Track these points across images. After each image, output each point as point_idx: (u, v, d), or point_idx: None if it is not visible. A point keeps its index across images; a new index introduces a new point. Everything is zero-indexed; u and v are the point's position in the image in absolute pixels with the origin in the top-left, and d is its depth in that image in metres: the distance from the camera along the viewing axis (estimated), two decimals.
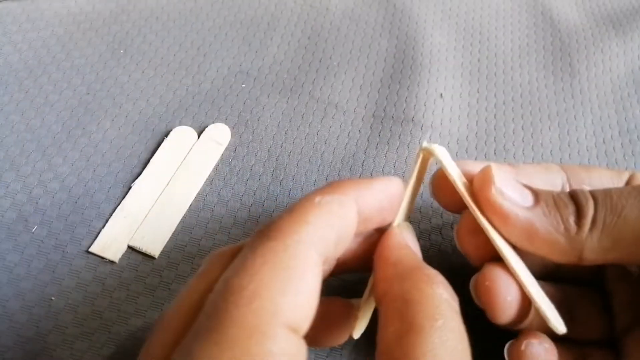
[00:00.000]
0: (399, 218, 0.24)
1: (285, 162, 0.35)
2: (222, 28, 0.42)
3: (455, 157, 0.36)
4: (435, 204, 0.27)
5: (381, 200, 0.22)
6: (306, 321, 0.17)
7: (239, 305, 0.15)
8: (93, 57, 0.39)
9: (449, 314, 0.18)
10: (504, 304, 0.22)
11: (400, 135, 0.37)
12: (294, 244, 0.17)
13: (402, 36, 0.43)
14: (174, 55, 0.40)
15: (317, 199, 0.19)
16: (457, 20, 0.45)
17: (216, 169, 0.34)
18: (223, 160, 0.35)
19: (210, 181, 0.34)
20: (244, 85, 0.39)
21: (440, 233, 0.33)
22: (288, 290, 0.16)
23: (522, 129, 0.38)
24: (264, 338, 0.15)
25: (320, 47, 0.42)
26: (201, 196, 0.33)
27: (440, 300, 0.18)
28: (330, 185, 0.21)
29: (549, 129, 0.39)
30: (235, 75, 0.39)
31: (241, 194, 0.33)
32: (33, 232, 0.31)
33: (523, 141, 0.38)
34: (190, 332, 0.16)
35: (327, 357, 0.28)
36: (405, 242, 0.22)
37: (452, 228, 0.31)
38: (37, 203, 0.32)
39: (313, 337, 0.19)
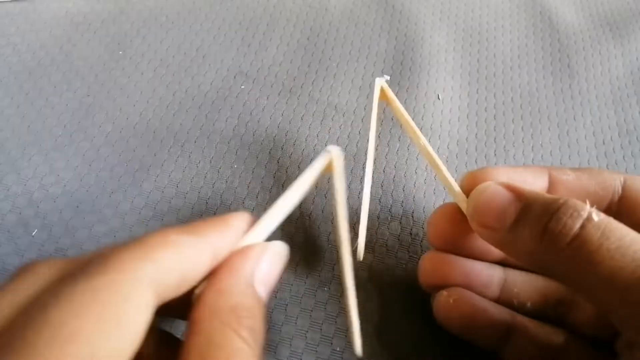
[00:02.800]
0: (256, 234, 0.23)
1: (287, 164, 0.35)
2: (221, 29, 0.42)
3: (455, 158, 0.36)
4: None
5: (237, 238, 0.22)
6: None
7: (53, 344, 0.14)
8: (92, 58, 0.39)
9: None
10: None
11: (400, 137, 0.37)
12: (129, 281, 0.17)
13: (401, 37, 0.43)
14: (173, 56, 0.40)
15: (172, 237, 0.19)
16: (456, 21, 0.45)
17: (218, 171, 0.34)
18: (225, 163, 0.35)
19: (212, 184, 0.34)
20: (243, 87, 0.39)
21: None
22: (112, 335, 0.16)
23: (522, 129, 0.39)
24: None
25: (320, 48, 0.42)
26: (203, 200, 0.33)
27: (242, 348, 0.18)
28: (187, 226, 0.20)
29: (549, 129, 0.39)
30: (235, 77, 0.39)
31: (243, 197, 0.33)
32: (33, 236, 0.31)
33: (523, 142, 0.38)
34: None
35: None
36: (247, 269, 0.21)
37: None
38: (37, 207, 0.32)
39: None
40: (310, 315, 0.29)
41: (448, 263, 0.27)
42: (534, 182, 0.25)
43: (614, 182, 0.25)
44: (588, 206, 0.20)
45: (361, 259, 0.29)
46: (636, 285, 0.18)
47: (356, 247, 0.29)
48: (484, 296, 0.27)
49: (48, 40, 0.39)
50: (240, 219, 0.22)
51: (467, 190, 0.26)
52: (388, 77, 0.31)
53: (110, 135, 0.35)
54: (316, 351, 0.28)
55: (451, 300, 0.26)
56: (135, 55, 0.40)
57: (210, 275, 0.20)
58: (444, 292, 0.26)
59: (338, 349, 0.28)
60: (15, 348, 0.14)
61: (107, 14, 0.42)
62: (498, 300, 0.27)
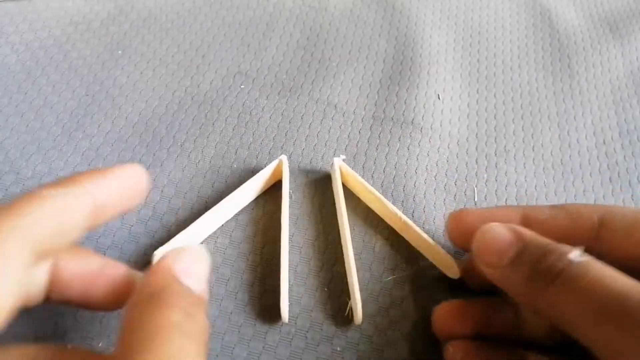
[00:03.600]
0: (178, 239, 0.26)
1: (287, 164, 0.35)
2: (221, 29, 0.42)
3: (456, 158, 0.36)
4: None
5: (121, 188, 0.23)
6: (3, 315, 0.17)
7: None
8: (91, 58, 0.39)
9: (179, 334, 0.18)
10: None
11: (400, 137, 0.37)
12: (3, 232, 0.17)
13: (401, 37, 0.43)
14: (172, 56, 0.40)
15: (45, 192, 0.20)
16: (456, 21, 0.45)
17: (217, 171, 0.34)
18: (225, 162, 0.34)
19: (212, 184, 0.33)
20: (242, 86, 0.39)
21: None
22: None
23: (522, 129, 0.38)
24: None
25: (319, 48, 0.42)
26: (202, 199, 0.33)
27: (176, 322, 0.18)
28: (64, 178, 0.21)
29: (549, 129, 0.39)
30: (234, 77, 0.39)
31: None
32: None
33: (523, 142, 0.38)
34: None
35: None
36: (167, 264, 0.22)
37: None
38: None
39: (87, 300, 0.22)
40: (310, 316, 0.29)
41: (460, 313, 0.28)
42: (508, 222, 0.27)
43: (591, 218, 0.26)
44: (573, 249, 0.22)
45: (360, 321, 0.29)
46: (604, 315, 0.20)
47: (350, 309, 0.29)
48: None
49: (47, 40, 0.39)
50: (127, 170, 0.23)
51: (451, 230, 0.29)
52: (344, 157, 0.35)
53: (109, 134, 0.35)
54: (316, 351, 0.28)
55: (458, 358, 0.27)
56: (134, 55, 0.40)
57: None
58: (450, 348, 0.27)
59: (338, 349, 0.28)
60: None
61: (106, 13, 0.42)
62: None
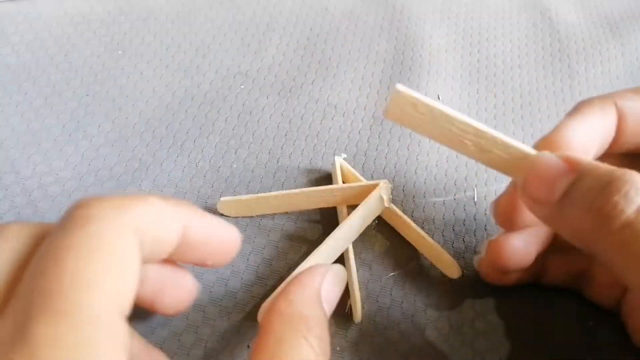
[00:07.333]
0: (316, 258, 0.26)
1: (287, 164, 0.35)
2: (221, 29, 0.42)
3: (456, 158, 0.36)
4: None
5: (210, 235, 0.22)
6: (129, 303, 0.17)
7: (78, 289, 0.15)
8: (91, 58, 0.39)
9: None
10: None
11: (400, 137, 0.37)
12: (119, 226, 0.17)
13: (402, 37, 0.43)
14: (172, 56, 0.40)
15: (152, 198, 0.19)
16: (456, 21, 0.45)
17: (217, 170, 0.34)
18: (225, 162, 0.35)
19: (212, 184, 0.33)
20: (242, 87, 0.39)
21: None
22: (118, 276, 0.17)
23: (522, 129, 0.38)
24: (101, 321, 0.15)
25: (319, 48, 0.42)
26: (202, 199, 0.33)
27: (309, 353, 0.19)
28: (163, 196, 0.21)
29: (549, 130, 0.39)
30: (234, 77, 0.39)
31: None
32: None
33: (523, 142, 0.38)
34: (17, 308, 0.16)
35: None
36: (315, 285, 0.22)
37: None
38: (36, 206, 0.31)
39: (153, 302, 0.22)
40: None
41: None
42: (602, 123, 0.24)
43: None
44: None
45: (359, 319, 0.29)
46: None
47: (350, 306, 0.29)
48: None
49: (47, 40, 0.39)
50: (224, 224, 0.23)
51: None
52: (345, 155, 0.35)
53: (109, 134, 0.35)
54: None
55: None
56: (134, 55, 0.40)
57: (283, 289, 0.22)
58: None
59: (338, 349, 0.28)
60: (44, 293, 0.15)
61: (106, 13, 0.42)
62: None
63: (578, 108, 0.25)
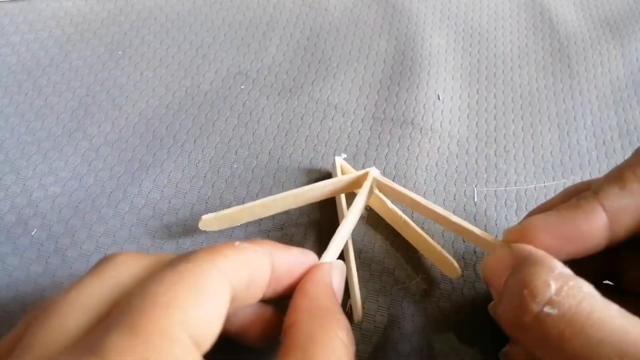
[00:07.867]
0: (329, 256, 0.26)
1: (287, 164, 0.35)
2: (221, 29, 0.42)
3: (455, 158, 0.36)
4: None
5: (293, 265, 0.23)
6: (209, 338, 0.18)
7: (155, 309, 0.17)
8: (91, 58, 0.39)
9: (345, 357, 0.20)
10: None
11: (400, 137, 0.37)
12: (208, 268, 0.19)
13: (401, 37, 0.43)
14: (173, 56, 0.40)
15: (237, 243, 0.21)
16: (456, 21, 0.45)
17: (218, 171, 0.34)
18: (225, 162, 0.35)
19: (212, 184, 0.33)
20: (242, 87, 0.39)
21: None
22: (198, 306, 0.18)
23: (522, 130, 0.38)
24: (172, 341, 0.16)
25: (319, 48, 0.42)
26: (202, 199, 0.33)
27: (340, 344, 0.20)
28: (250, 239, 0.23)
29: (549, 130, 0.39)
30: (234, 77, 0.39)
31: (243, 197, 0.33)
32: (32, 236, 0.30)
33: (523, 142, 0.38)
34: (101, 324, 0.17)
35: None
36: (327, 280, 0.24)
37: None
38: (36, 206, 0.31)
39: (242, 336, 0.23)
40: None
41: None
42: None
43: None
44: (552, 286, 0.19)
45: (360, 318, 0.29)
46: None
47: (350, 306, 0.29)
48: None
49: (47, 40, 0.39)
50: (305, 252, 0.25)
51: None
52: (345, 155, 0.35)
53: (109, 135, 0.35)
54: None
55: None
56: (134, 55, 0.40)
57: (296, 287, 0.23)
58: None
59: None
60: (125, 312, 0.17)
61: (106, 14, 0.42)
62: None
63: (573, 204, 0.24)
